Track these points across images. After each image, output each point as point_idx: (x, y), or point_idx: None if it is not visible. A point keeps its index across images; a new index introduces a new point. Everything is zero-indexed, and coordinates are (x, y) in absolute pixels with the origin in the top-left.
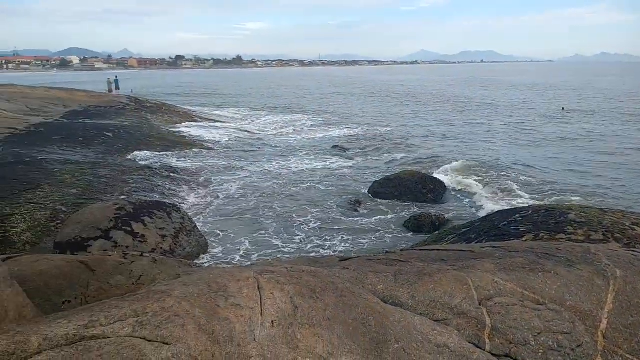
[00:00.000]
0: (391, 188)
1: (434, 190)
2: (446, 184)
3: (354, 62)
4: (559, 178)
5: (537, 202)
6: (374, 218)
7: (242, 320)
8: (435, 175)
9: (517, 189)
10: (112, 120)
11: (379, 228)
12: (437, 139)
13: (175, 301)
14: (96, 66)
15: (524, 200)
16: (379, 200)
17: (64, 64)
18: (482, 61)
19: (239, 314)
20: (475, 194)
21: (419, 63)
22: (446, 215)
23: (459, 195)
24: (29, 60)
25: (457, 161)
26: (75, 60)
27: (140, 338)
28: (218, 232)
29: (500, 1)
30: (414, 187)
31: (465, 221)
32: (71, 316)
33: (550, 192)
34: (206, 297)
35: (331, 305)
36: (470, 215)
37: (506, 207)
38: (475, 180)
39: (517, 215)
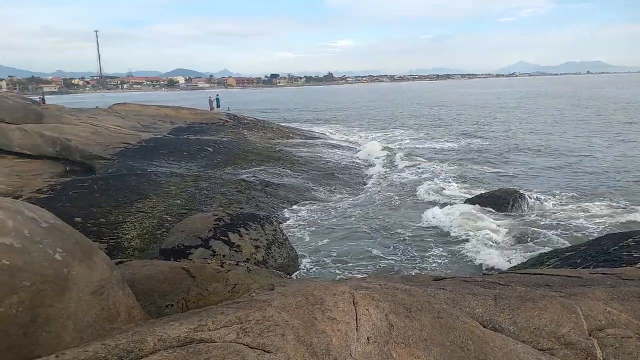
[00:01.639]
0: (486, 206)
1: (534, 210)
2: (547, 205)
3: (447, 76)
4: None
5: None
6: (464, 236)
7: (338, 335)
8: (535, 195)
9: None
10: (213, 137)
11: (469, 247)
12: (539, 156)
13: (275, 311)
14: (199, 86)
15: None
16: (470, 218)
17: (172, 84)
18: (588, 72)
19: (336, 328)
20: (580, 217)
21: (517, 75)
22: (546, 237)
23: (561, 218)
24: (141, 81)
25: (559, 180)
26: (181, 80)
27: (244, 345)
28: (309, 245)
29: (610, 8)
30: (510, 206)
31: (568, 244)
32: (183, 320)
33: None
34: (304, 309)
35: (428, 326)
36: (575, 238)
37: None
38: (578, 201)
39: (630, 240)
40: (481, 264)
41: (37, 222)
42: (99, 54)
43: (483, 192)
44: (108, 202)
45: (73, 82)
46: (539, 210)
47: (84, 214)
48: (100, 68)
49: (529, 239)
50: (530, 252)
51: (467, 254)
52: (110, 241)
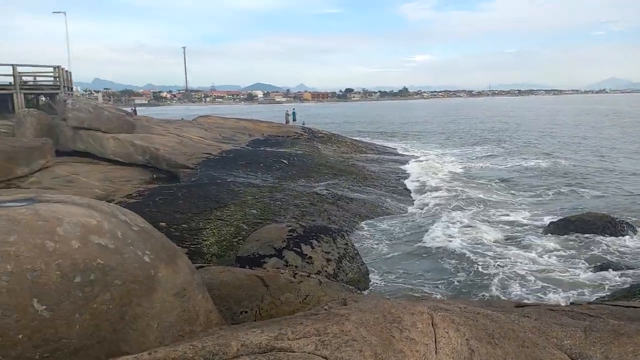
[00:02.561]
0: (571, 230)
1: (625, 237)
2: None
3: (530, 92)
4: None
5: None
6: (547, 261)
7: (416, 355)
8: (628, 221)
9: None
10: (288, 149)
11: (552, 273)
12: (629, 181)
13: (353, 325)
14: (276, 99)
15: None
16: (554, 243)
17: (250, 98)
18: None
19: (414, 348)
20: None
21: (607, 92)
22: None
23: None
24: (222, 95)
25: None
26: (260, 94)
27: (322, 357)
28: (378, 260)
29: None
30: (599, 232)
31: None
32: (263, 327)
33: None
34: (382, 326)
35: (511, 354)
36: None
37: None
38: None
39: None
40: (565, 292)
41: (129, 225)
42: (186, 69)
43: (568, 215)
44: (190, 208)
45: (161, 94)
46: (632, 237)
47: (168, 219)
48: (186, 82)
49: (619, 269)
50: (620, 282)
51: (548, 279)
52: (191, 246)
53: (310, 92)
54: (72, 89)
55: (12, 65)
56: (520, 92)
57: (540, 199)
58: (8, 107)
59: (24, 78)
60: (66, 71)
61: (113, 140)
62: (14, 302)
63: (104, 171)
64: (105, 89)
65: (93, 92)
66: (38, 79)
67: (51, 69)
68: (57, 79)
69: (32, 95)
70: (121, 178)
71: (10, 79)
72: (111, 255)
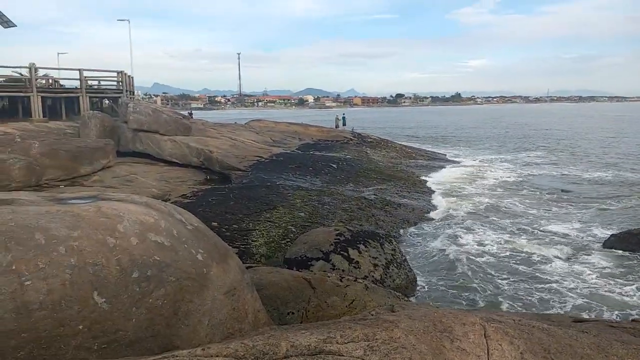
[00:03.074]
0: (634, 245)
1: None
2: None
3: (591, 98)
4: None
5: None
6: (608, 275)
7: None
8: None
9: None
10: (337, 153)
11: (613, 288)
12: None
13: (402, 333)
14: (326, 104)
15: None
16: (615, 256)
17: (301, 103)
18: None
19: (465, 359)
20: None
21: None
22: None
23: None
24: (274, 100)
25: None
26: (310, 99)
27: None
28: (426, 267)
29: None
30: None
31: None
32: (312, 329)
33: None
34: (432, 335)
35: None
36: None
37: None
38: None
39: None
40: (625, 310)
41: (184, 224)
42: (239, 74)
43: (631, 228)
44: (241, 209)
45: (216, 99)
46: None
47: (220, 219)
48: (240, 86)
49: None
50: None
51: (607, 295)
52: (241, 246)
53: (360, 97)
54: (133, 92)
55: (79, 69)
56: (580, 99)
57: (601, 211)
58: (74, 109)
59: (90, 82)
60: (128, 76)
61: (170, 142)
62: (76, 294)
63: (161, 171)
64: (163, 93)
65: (152, 96)
66: (102, 83)
67: (114, 74)
68: (120, 83)
69: (97, 99)
70: (177, 178)
71: (77, 83)
72: (167, 253)
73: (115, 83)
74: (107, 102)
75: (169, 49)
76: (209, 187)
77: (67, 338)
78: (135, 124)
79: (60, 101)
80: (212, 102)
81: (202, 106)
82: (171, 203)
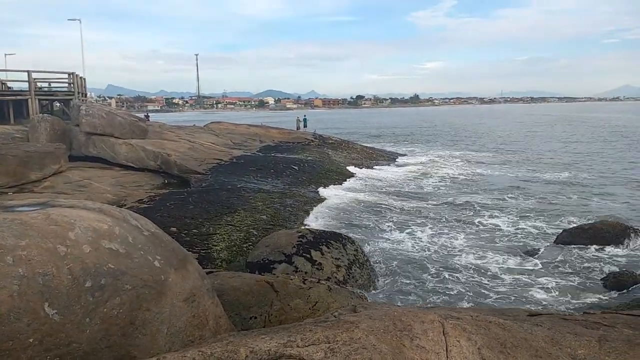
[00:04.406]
0: (584, 239)
1: (637, 244)
2: None
3: (542, 99)
4: None
5: None
6: (561, 270)
7: None
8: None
9: None
10: (299, 155)
11: (566, 281)
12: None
13: (363, 333)
14: (287, 106)
15: None
16: (567, 251)
17: (262, 104)
18: None
19: (424, 357)
20: None
21: (620, 99)
22: None
23: None
24: (234, 101)
25: None
26: (271, 100)
27: None
28: (387, 267)
29: None
30: (613, 240)
31: None
32: (273, 333)
33: None
34: (392, 334)
35: None
36: None
37: None
38: None
39: None
40: (577, 301)
41: (140, 230)
42: (198, 76)
43: (581, 224)
44: (200, 214)
45: (173, 101)
46: None
47: (178, 224)
48: (198, 88)
49: (633, 277)
50: (634, 291)
51: (560, 288)
52: (201, 251)
53: (321, 98)
54: (86, 95)
55: (28, 71)
56: (532, 100)
57: (553, 208)
58: (23, 113)
59: (39, 84)
60: (80, 77)
61: (125, 146)
62: (26, 306)
63: (116, 176)
64: (118, 95)
65: (106, 98)
66: (53, 85)
67: (65, 76)
68: (71, 85)
69: (47, 101)
70: (133, 183)
71: (26, 85)
72: (122, 260)
73: (66, 85)
74: (58, 104)
75: (124, 50)
76: (167, 191)
77: (17, 352)
78: (88, 127)
79: (8, 104)
80: (169, 104)
81: (159, 108)
82: (127, 209)
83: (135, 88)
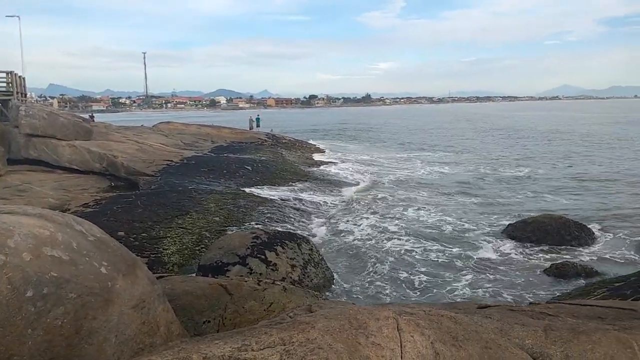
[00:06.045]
0: (528, 232)
1: (579, 238)
2: (594, 232)
3: (487, 99)
4: None
5: None
6: (507, 262)
7: None
8: (580, 221)
9: None
10: (252, 155)
11: (512, 273)
12: (587, 181)
13: (318, 333)
14: (239, 105)
15: None
16: (512, 244)
17: (213, 104)
18: (635, 97)
19: (380, 354)
20: (627, 244)
21: (560, 98)
22: (593, 267)
23: (608, 245)
24: (184, 101)
25: (608, 209)
26: (223, 100)
27: None
28: (342, 266)
29: None
30: (555, 233)
31: (616, 274)
32: (226, 338)
33: None
34: (347, 333)
35: (475, 356)
36: (623, 268)
37: None
38: (628, 229)
39: None
40: (523, 292)
41: (84, 236)
42: (146, 74)
43: (525, 217)
44: (150, 217)
45: (120, 100)
46: (586, 237)
47: (126, 228)
48: (146, 87)
49: (574, 268)
50: (576, 281)
51: (506, 280)
52: (151, 255)
53: (274, 98)
54: (25, 95)
55: None
56: (478, 99)
57: (498, 202)
58: None
59: None
60: (19, 77)
61: (68, 148)
62: None
63: (59, 180)
64: (61, 95)
65: (48, 98)
66: None
67: (3, 75)
68: (10, 84)
69: None
70: (77, 186)
71: None
72: (65, 267)
73: (4, 84)
74: None
75: (66, 47)
76: (114, 194)
77: None
78: (28, 129)
79: None
80: (115, 104)
81: (104, 108)
82: (71, 213)
83: (79, 87)
